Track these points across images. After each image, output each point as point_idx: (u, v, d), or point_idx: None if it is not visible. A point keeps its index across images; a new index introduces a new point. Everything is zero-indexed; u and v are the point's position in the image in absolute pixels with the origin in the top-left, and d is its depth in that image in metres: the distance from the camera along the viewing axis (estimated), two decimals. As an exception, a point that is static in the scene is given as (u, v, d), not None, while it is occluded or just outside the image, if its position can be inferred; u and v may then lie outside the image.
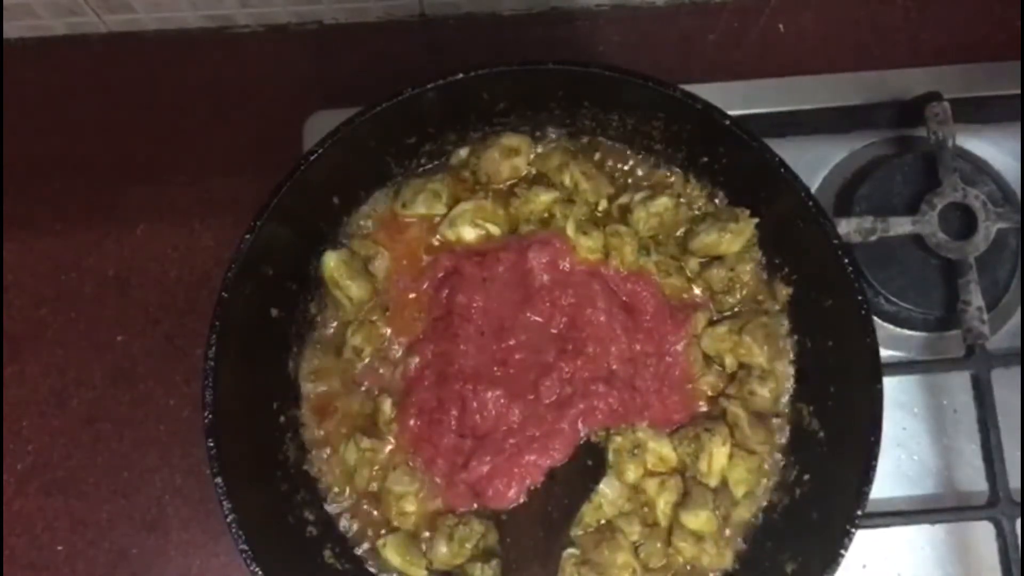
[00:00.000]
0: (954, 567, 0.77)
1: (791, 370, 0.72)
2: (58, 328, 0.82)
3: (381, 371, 0.72)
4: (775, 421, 0.72)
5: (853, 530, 0.61)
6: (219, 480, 0.61)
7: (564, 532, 0.68)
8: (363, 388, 0.72)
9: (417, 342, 0.72)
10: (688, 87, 0.66)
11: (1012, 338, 0.80)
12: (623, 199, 0.74)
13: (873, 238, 0.78)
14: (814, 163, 0.84)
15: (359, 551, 0.71)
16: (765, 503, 0.71)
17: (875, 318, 0.65)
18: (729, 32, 0.89)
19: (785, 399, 0.72)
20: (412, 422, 0.70)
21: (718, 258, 0.73)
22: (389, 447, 0.71)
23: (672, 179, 0.75)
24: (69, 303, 0.82)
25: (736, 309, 0.74)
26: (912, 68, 0.85)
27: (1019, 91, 0.82)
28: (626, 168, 0.76)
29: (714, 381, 0.72)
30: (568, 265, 0.71)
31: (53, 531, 0.78)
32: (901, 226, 0.78)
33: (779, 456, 0.71)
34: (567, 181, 0.74)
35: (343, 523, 0.71)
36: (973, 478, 0.77)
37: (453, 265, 0.72)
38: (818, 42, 0.89)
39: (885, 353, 0.76)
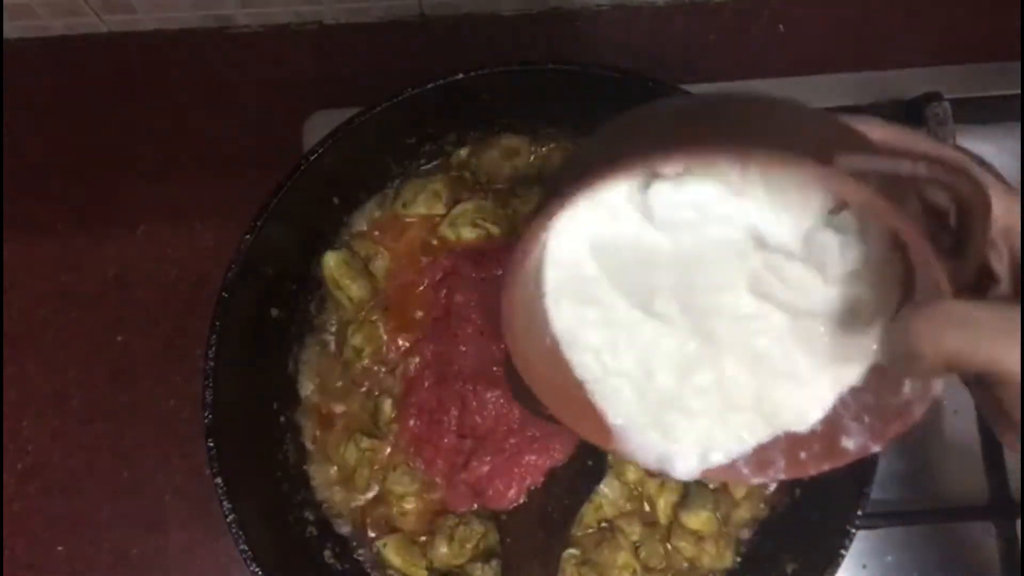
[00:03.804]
0: (954, 567, 0.77)
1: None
2: (58, 328, 0.82)
3: (381, 371, 0.72)
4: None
5: (853, 530, 0.61)
6: (219, 480, 0.61)
7: (564, 532, 0.68)
8: (363, 388, 0.72)
9: (417, 342, 0.72)
10: (688, 87, 0.66)
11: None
12: (623, 199, 0.74)
13: (873, 238, 0.78)
14: (814, 163, 0.83)
15: (359, 551, 0.71)
16: (765, 503, 0.71)
17: (875, 318, 0.65)
18: (729, 32, 0.89)
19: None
20: (412, 422, 0.70)
21: (718, 258, 0.73)
22: (389, 447, 0.71)
23: (672, 179, 0.75)
24: (69, 303, 0.82)
25: (736, 309, 0.74)
26: (912, 68, 0.85)
27: (1019, 91, 0.82)
28: (626, 168, 0.76)
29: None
30: (568, 265, 0.71)
31: (53, 531, 0.78)
32: (901, 226, 0.78)
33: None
34: (567, 181, 0.74)
35: (343, 523, 0.71)
36: (973, 478, 0.77)
37: (453, 265, 0.72)
38: (818, 42, 0.89)
39: (885, 353, 0.76)
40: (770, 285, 0.45)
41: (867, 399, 0.46)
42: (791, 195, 0.42)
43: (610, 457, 0.70)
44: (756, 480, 0.50)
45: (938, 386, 0.42)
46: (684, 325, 0.47)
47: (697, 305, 0.46)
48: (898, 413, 0.44)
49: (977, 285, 0.41)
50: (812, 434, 0.48)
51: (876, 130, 0.41)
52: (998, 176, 0.41)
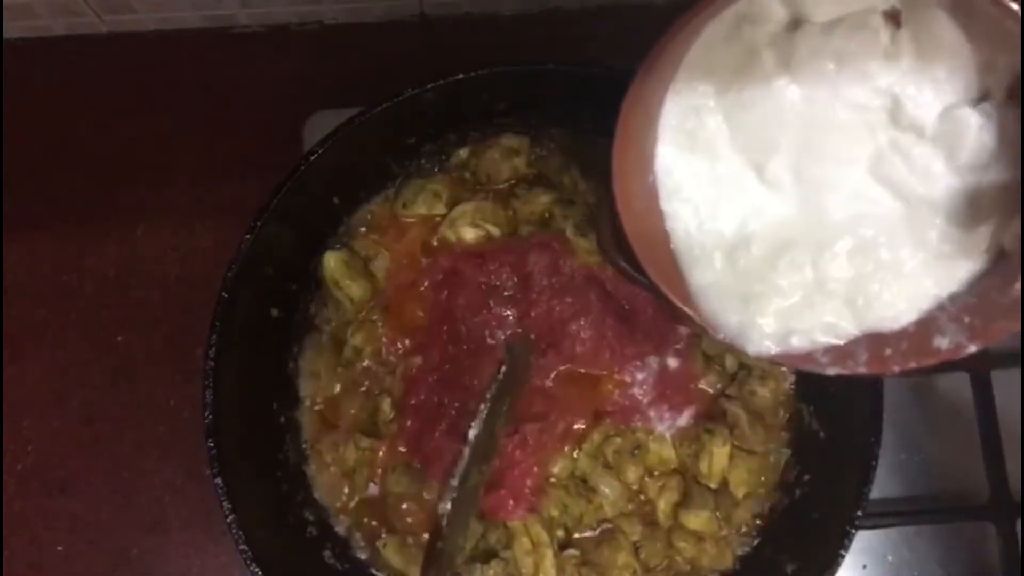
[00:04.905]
0: (954, 567, 0.77)
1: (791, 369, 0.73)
2: (58, 328, 0.82)
3: (381, 371, 0.72)
4: (775, 421, 0.72)
5: (853, 530, 0.61)
6: (219, 480, 0.61)
7: None
8: (363, 388, 0.72)
9: (417, 343, 0.72)
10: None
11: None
12: (623, 199, 0.74)
13: (873, 238, 0.78)
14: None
15: (359, 552, 0.71)
16: (765, 503, 0.71)
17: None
18: (729, 32, 0.89)
19: (785, 399, 0.72)
20: (410, 423, 0.70)
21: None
22: (388, 447, 0.71)
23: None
24: (69, 303, 0.82)
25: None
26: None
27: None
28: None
29: (714, 381, 0.72)
30: (568, 268, 0.71)
31: (53, 531, 0.78)
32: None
33: (779, 457, 0.71)
34: (567, 181, 0.74)
35: (342, 523, 0.71)
36: (973, 478, 0.77)
37: (452, 266, 0.72)
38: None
39: (885, 353, 0.76)
40: (892, 166, 0.43)
41: (969, 300, 0.44)
42: (939, 68, 0.40)
43: (611, 458, 0.69)
44: (832, 371, 0.47)
45: None
46: (793, 195, 0.45)
47: (812, 175, 0.44)
48: (1007, 311, 0.42)
49: None
50: (901, 332, 0.46)
51: None
52: None
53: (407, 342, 0.72)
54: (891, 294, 0.45)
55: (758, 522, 0.71)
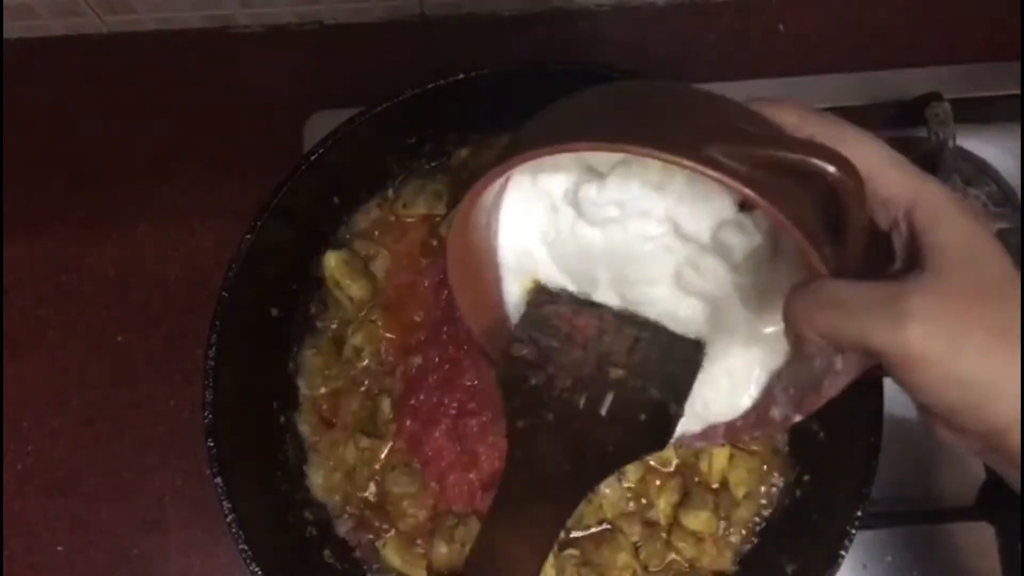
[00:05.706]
0: (954, 567, 0.77)
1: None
2: (58, 328, 0.82)
3: (381, 371, 0.72)
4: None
5: (853, 530, 0.61)
6: (219, 480, 0.61)
7: None
8: (363, 388, 0.72)
9: (417, 343, 0.72)
10: (688, 87, 0.66)
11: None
12: (623, 199, 0.74)
13: (873, 238, 0.78)
14: (814, 163, 0.83)
15: (359, 552, 0.71)
16: (765, 504, 0.71)
17: (875, 318, 0.65)
18: (730, 32, 0.89)
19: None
20: (410, 423, 0.70)
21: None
22: (388, 447, 0.71)
23: (672, 179, 0.75)
24: (69, 303, 0.82)
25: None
26: (912, 68, 0.85)
27: (1019, 91, 0.82)
28: (626, 168, 0.76)
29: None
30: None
31: (53, 531, 0.78)
32: (901, 226, 0.78)
33: (779, 457, 0.71)
34: (567, 181, 0.74)
35: (343, 523, 0.71)
36: (973, 478, 0.77)
37: (453, 266, 0.72)
38: (818, 42, 0.89)
39: (885, 353, 0.76)
40: (690, 278, 0.48)
41: (790, 375, 0.49)
42: (706, 188, 0.44)
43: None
44: (699, 444, 0.54)
45: (839, 363, 0.44)
46: (624, 313, 0.51)
47: (632, 296, 0.50)
48: (815, 384, 0.46)
49: (879, 266, 0.42)
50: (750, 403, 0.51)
51: (790, 116, 0.42)
52: (896, 161, 0.41)
53: (407, 342, 0.72)
54: (723, 393, 0.51)
55: (758, 522, 0.71)
